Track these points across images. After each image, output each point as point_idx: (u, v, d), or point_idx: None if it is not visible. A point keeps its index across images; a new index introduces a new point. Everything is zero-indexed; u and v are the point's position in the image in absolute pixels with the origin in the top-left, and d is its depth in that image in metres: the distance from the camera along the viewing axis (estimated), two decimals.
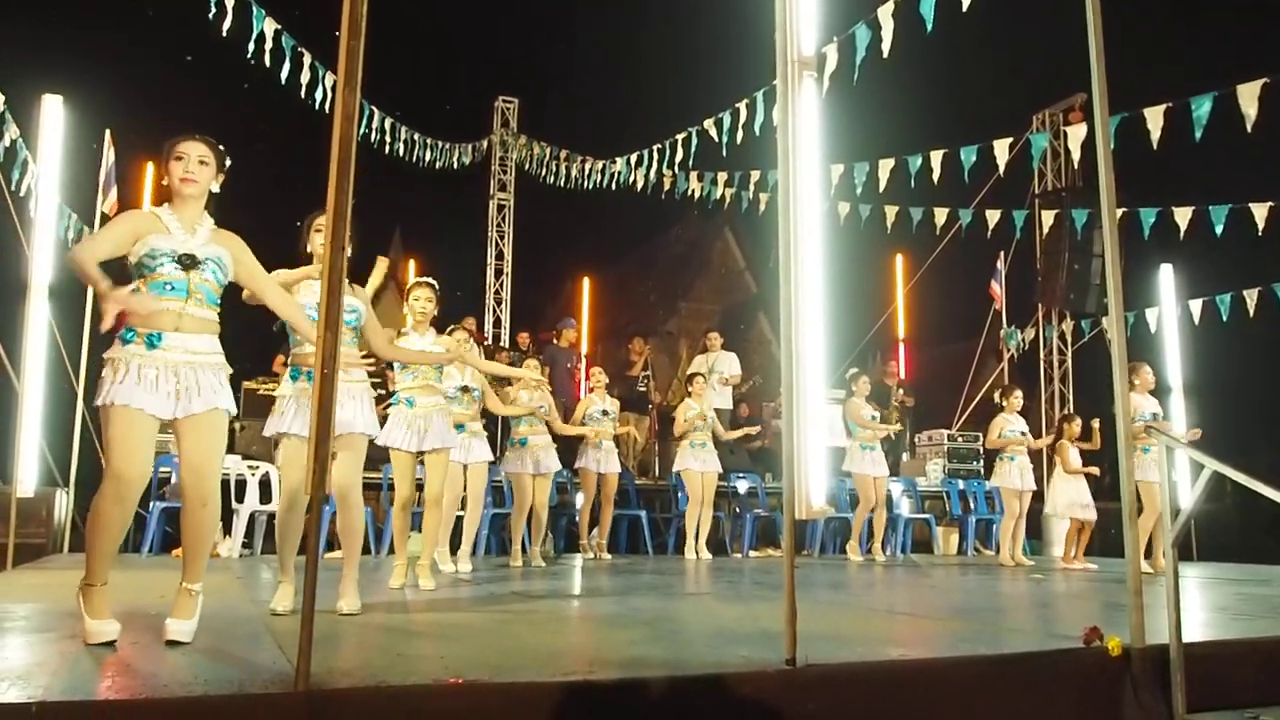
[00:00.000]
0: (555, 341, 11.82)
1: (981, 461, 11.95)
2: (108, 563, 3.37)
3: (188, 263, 3.41)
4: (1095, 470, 9.31)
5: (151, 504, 8.37)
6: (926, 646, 3.79)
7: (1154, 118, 7.50)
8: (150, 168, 9.33)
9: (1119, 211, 9.45)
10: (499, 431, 9.82)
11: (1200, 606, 5.50)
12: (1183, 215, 9.43)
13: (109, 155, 8.44)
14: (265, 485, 8.67)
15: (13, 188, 8.01)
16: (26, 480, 7.28)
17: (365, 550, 9.00)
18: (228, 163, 3.64)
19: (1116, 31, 3.88)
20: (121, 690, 2.55)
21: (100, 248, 3.39)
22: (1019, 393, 9.80)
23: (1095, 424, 9.36)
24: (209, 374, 3.46)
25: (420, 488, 6.09)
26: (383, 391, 6.19)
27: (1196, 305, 11.10)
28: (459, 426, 7.10)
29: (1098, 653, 3.31)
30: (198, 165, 3.50)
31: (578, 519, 9.30)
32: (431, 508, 5.97)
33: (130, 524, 3.53)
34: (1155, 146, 7.45)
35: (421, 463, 5.94)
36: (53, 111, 7.32)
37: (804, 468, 2.99)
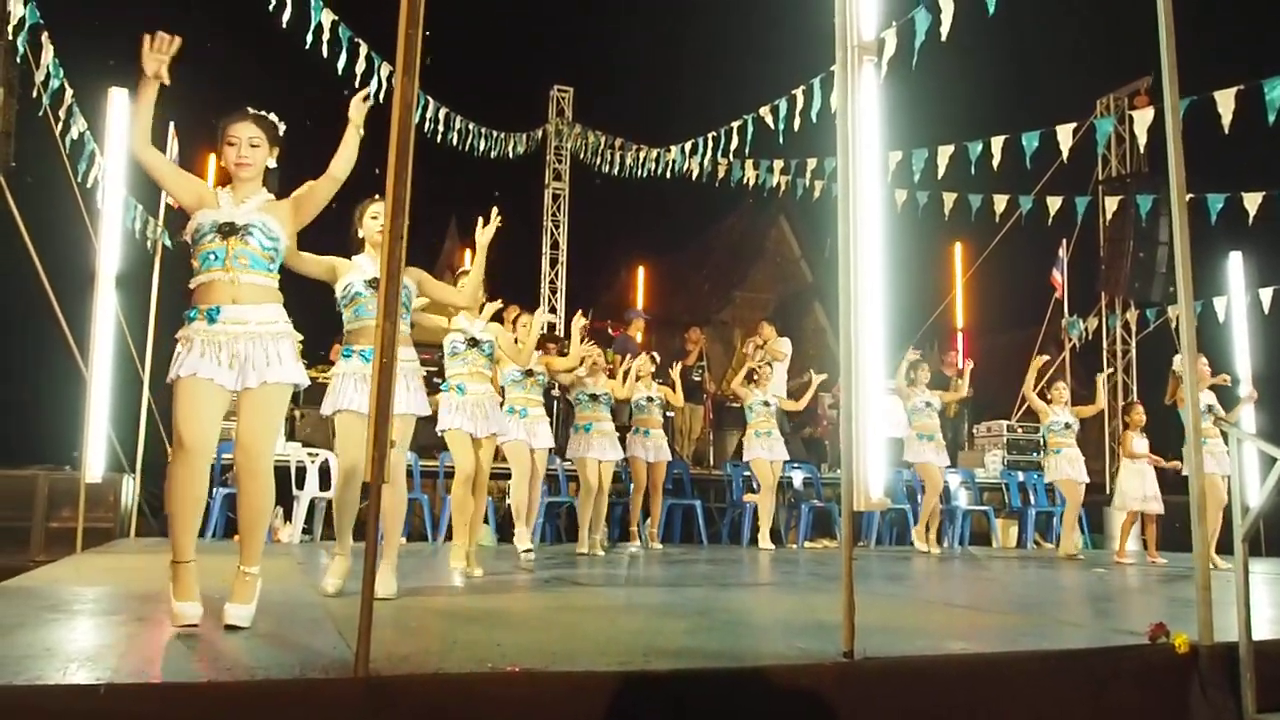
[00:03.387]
0: (625, 332, 11.90)
1: (1041, 453, 11.77)
2: (187, 538, 3.37)
3: (226, 230, 3.43)
4: (1162, 462, 9.15)
5: (214, 489, 8.51)
6: (986, 641, 3.74)
7: (1224, 100, 7.30)
8: (213, 160, 9.47)
9: (1186, 197, 9.28)
10: (557, 419, 9.86)
11: (1270, 603, 5.36)
12: (1252, 201, 9.17)
13: (173, 147, 8.57)
14: (325, 472, 8.79)
15: (79, 179, 8.17)
16: (95, 466, 7.45)
17: (421, 537, 9.16)
18: (282, 132, 3.65)
19: (1185, 12, 3.78)
20: (186, 674, 2.59)
21: (162, 161, 3.56)
22: (1061, 384, 9.66)
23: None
24: (270, 344, 3.43)
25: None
26: (438, 380, 6.22)
27: (1267, 294, 10.79)
28: (521, 411, 7.15)
29: (1164, 649, 3.24)
30: (249, 149, 3.53)
31: (630, 508, 9.28)
32: (478, 493, 6.01)
33: (205, 498, 3.50)
34: (1226, 130, 7.25)
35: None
36: (119, 104, 7.45)
37: (863, 458, 2.96)
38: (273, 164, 3.63)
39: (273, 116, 3.63)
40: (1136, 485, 8.86)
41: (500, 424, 6.00)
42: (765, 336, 11.42)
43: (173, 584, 3.32)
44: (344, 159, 3.68)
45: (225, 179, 3.63)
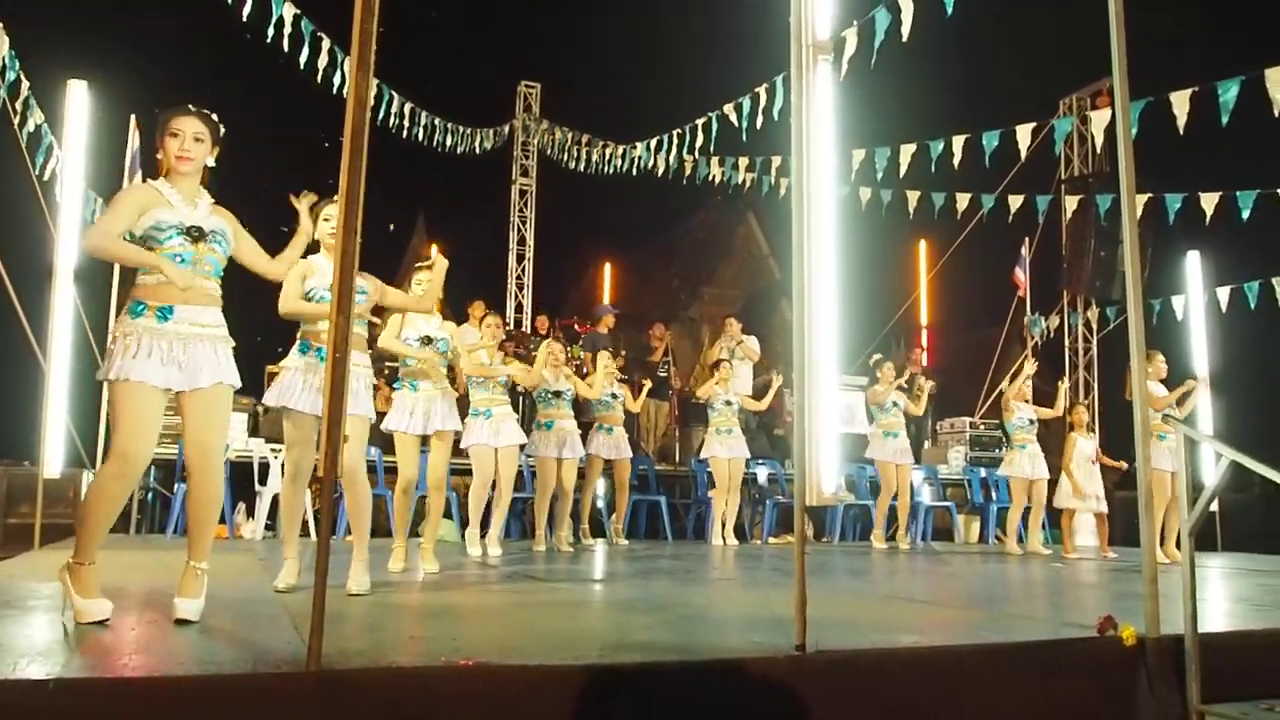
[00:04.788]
0: (594, 328, 11.89)
1: (1003, 449, 11.89)
2: (99, 541, 3.37)
3: (196, 234, 3.43)
4: (1110, 461, 9.29)
5: (177, 486, 8.45)
6: (940, 634, 3.78)
7: (1179, 102, 7.40)
8: None
9: (1144, 197, 9.42)
10: (523, 415, 9.84)
11: (1222, 597, 5.46)
12: (1209, 201, 9.30)
13: (134, 141, 8.50)
14: None
15: (38, 172, 8.08)
16: (53, 461, 7.37)
17: (385, 533, 9.11)
18: (222, 133, 3.62)
19: (1141, 15, 3.84)
20: (137, 668, 2.58)
21: (116, 226, 3.40)
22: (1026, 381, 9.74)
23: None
24: (216, 347, 3.47)
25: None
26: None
27: (1224, 293, 10.96)
28: (486, 412, 7.13)
29: (1112, 642, 3.29)
30: (193, 143, 3.50)
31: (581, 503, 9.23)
32: (434, 490, 5.99)
33: (124, 504, 3.52)
34: (1181, 131, 7.36)
35: (425, 447, 5.96)
36: (78, 97, 7.37)
37: (815, 454, 2.99)
38: (212, 162, 3.61)
39: (215, 116, 3.60)
40: (1079, 484, 8.92)
41: (452, 421, 5.95)
42: (733, 334, 11.40)
43: (75, 582, 3.29)
44: (278, 268, 3.94)
45: (160, 172, 3.57)
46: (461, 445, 7.18)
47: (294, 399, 4.50)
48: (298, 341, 4.66)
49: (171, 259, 3.39)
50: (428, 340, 5.85)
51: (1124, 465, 9.10)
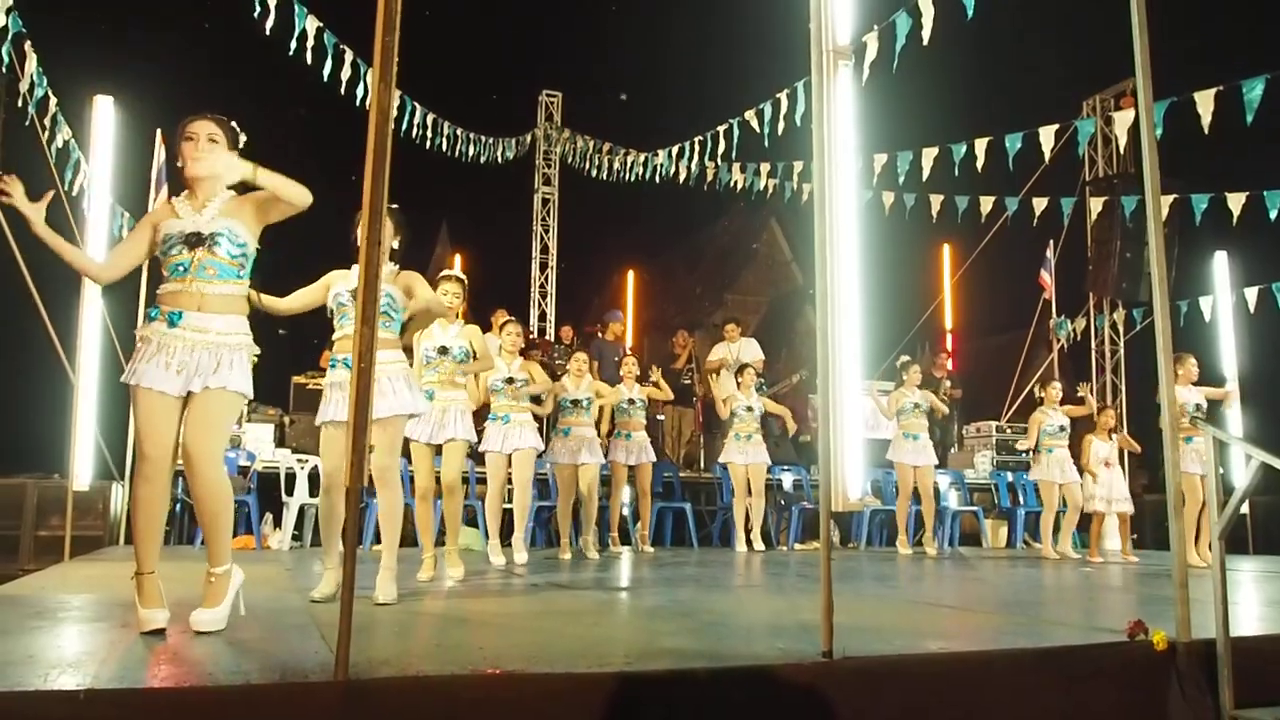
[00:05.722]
0: (601, 334, 11.83)
1: (1030, 454, 11.79)
2: (147, 549, 3.39)
3: (193, 241, 3.44)
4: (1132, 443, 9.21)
5: None
6: (967, 639, 3.76)
7: (1204, 101, 7.33)
8: None
9: (1170, 198, 9.33)
10: (545, 422, 9.84)
11: (1254, 600, 5.40)
12: (1236, 201, 9.20)
13: (160, 155, 8.59)
14: (315, 479, 8.78)
15: (66, 187, 8.18)
16: (82, 474, 7.45)
17: (411, 543, 9.14)
18: (241, 139, 3.63)
19: (1164, 14, 3.81)
20: (167, 679, 2.60)
21: (119, 254, 3.60)
22: (1057, 384, 9.67)
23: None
24: (223, 354, 3.43)
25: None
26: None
27: (1252, 293, 10.84)
28: (504, 417, 7.15)
29: (1142, 646, 3.26)
30: (208, 143, 3.52)
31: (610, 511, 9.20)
32: (448, 495, 6.02)
33: (167, 509, 3.54)
34: (1206, 131, 7.28)
35: (439, 452, 5.99)
36: (104, 112, 7.47)
37: (840, 459, 2.98)
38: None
39: (234, 123, 3.62)
40: (1097, 486, 8.88)
41: (468, 430, 5.96)
42: (733, 339, 11.30)
43: (136, 593, 3.35)
44: (292, 192, 3.55)
45: (184, 186, 3.60)
46: (480, 449, 7.25)
47: (332, 412, 4.60)
48: (330, 359, 4.73)
49: (174, 269, 3.44)
50: (443, 350, 5.88)
51: (1138, 447, 9.02)
